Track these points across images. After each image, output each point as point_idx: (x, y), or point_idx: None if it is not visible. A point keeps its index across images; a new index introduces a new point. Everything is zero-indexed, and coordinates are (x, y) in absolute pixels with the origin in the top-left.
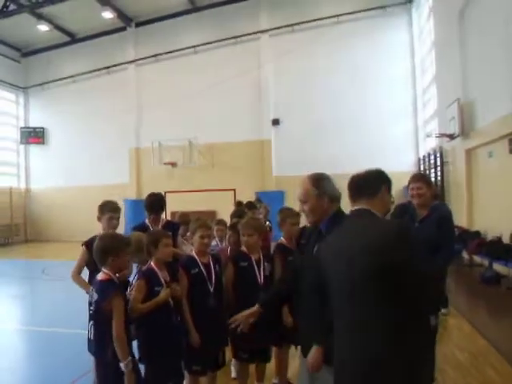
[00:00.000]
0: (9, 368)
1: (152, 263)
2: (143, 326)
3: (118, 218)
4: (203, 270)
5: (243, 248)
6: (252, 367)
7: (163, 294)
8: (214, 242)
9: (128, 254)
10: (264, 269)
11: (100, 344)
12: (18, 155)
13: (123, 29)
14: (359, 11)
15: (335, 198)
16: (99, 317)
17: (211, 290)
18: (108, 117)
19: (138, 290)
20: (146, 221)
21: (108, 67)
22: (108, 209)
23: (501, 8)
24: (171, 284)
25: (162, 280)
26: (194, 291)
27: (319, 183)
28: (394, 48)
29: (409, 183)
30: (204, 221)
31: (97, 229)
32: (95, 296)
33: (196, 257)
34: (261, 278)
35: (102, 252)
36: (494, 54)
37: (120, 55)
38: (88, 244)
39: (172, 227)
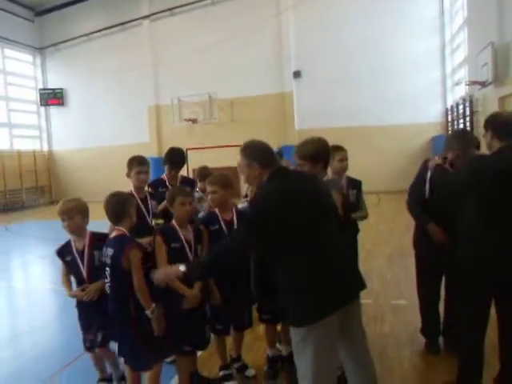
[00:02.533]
0: (42, 326)
1: (173, 221)
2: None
3: (147, 171)
4: (224, 226)
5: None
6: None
7: (191, 294)
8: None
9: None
10: None
11: (120, 301)
12: (39, 117)
13: None
14: None
15: (266, 163)
16: (116, 272)
17: None
18: (125, 75)
19: (158, 249)
20: (163, 176)
21: (122, 23)
22: (135, 163)
23: None
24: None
25: (182, 237)
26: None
27: (246, 152)
28: None
29: None
30: (211, 177)
31: (119, 187)
32: (110, 252)
33: (218, 212)
34: None
35: (120, 207)
36: None
37: (135, 10)
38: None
39: (188, 183)
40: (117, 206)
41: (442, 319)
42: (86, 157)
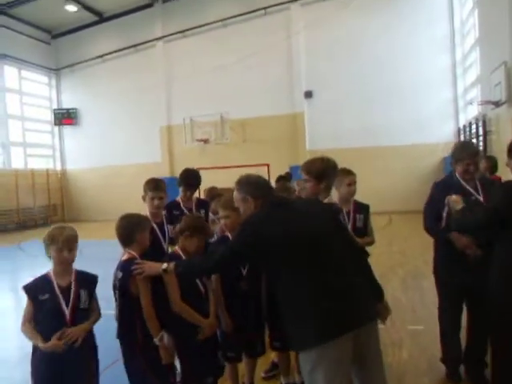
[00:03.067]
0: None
1: (178, 248)
2: (174, 319)
3: (162, 197)
4: None
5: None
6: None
7: (207, 323)
8: None
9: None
10: None
11: (127, 326)
12: (53, 137)
13: (150, 5)
14: None
15: (261, 197)
16: (125, 297)
17: (244, 272)
18: (138, 95)
19: (170, 277)
20: (178, 198)
21: (136, 45)
22: (150, 188)
23: None
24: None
25: None
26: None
27: (240, 187)
28: (432, 12)
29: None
30: (223, 200)
31: (131, 207)
32: (119, 274)
33: (230, 236)
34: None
35: (127, 232)
36: None
37: (148, 32)
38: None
39: (203, 205)
40: (126, 229)
41: (463, 346)
42: (99, 176)
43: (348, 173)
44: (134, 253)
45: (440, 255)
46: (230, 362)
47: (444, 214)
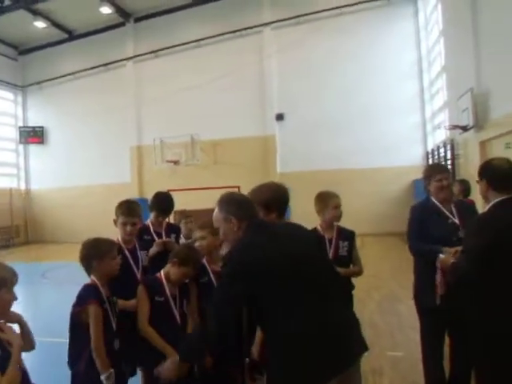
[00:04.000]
0: None
1: (162, 272)
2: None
3: (134, 224)
4: (213, 279)
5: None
6: None
7: (174, 359)
8: None
9: (114, 257)
10: None
11: (74, 354)
12: (18, 155)
13: (122, 24)
14: (363, 2)
15: (244, 217)
16: (74, 324)
17: None
18: (108, 115)
19: (140, 300)
20: (148, 222)
21: (107, 64)
22: (121, 212)
23: None
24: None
25: (168, 291)
26: (202, 303)
27: (222, 206)
28: (400, 39)
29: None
30: (201, 222)
31: (99, 228)
32: (74, 302)
33: (206, 263)
34: None
35: (85, 259)
36: (509, 39)
37: (119, 52)
38: None
39: (174, 231)
40: (84, 256)
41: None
42: (65, 196)
43: (333, 195)
44: (95, 280)
45: (421, 279)
46: None
47: (437, 283)
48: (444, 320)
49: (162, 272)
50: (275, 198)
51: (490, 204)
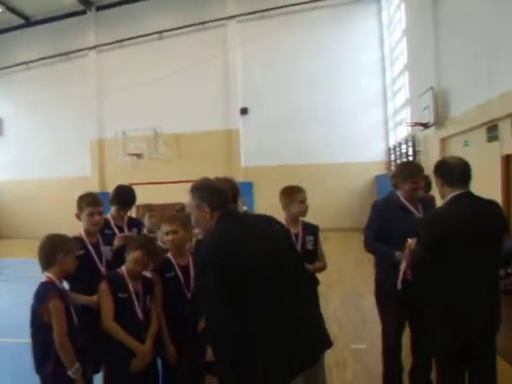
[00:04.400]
0: None
1: (123, 267)
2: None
3: (101, 212)
4: (179, 273)
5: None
6: None
7: (142, 349)
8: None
9: (76, 256)
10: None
11: (40, 357)
12: None
13: (83, 12)
14: None
15: (218, 205)
16: (37, 326)
17: (188, 295)
18: (68, 106)
19: (103, 299)
20: (109, 216)
21: (67, 53)
22: (87, 203)
23: None
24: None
25: (131, 288)
26: (168, 298)
27: (195, 192)
28: (363, 37)
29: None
30: (168, 215)
31: (58, 222)
32: (32, 303)
33: (171, 257)
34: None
35: (49, 252)
36: (470, 41)
37: (80, 41)
38: None
39: (136, 225)
40: (48, 249)
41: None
42: (21, 190)
43: (299, 190)
44: (52, 276)
45: (382, 274)
46: None
47: (400, 268)
48: (405, 311)
49: (124, 267)
50: (221, 194)
51: (446, 199)
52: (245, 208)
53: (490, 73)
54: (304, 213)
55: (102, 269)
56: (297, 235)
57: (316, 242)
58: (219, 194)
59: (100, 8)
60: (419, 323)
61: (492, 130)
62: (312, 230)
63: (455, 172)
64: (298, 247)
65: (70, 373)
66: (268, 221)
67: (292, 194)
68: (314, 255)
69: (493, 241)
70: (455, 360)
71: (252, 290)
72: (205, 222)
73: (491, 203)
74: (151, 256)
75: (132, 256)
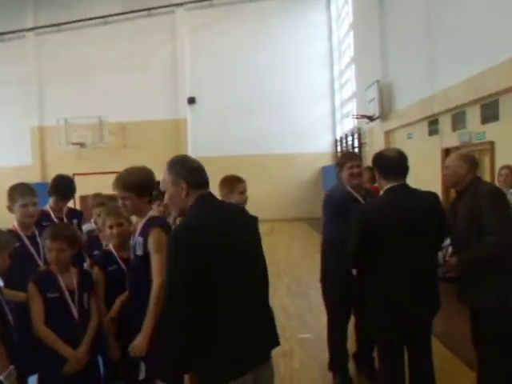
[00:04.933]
0: None
1: (51, 266)
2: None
3: (35, 203)
4: (123, 265)
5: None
6: None
7: (73, 354)
8: None
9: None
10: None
11: None
12: None
13: None
14: None
15: (195, 184)
16: None
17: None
18: (6, 90)
19: (31, 301)
20: (47, 208)
21: (3, 33)
22: (19, 194)
23: None
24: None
25: (63, 285)
26: (111, 293)
27: (172, 168)
28: (313, 29)
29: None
30: (112, 207)
31: None
32: None
33: (113, 250)
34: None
35: None
36: (413, 37)
37: (16, 21)
38: None
39: (76, 216)
40: None
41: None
42: None
43: (239, 180)
44: None
45: (330, 263)
46: None
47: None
48: (349, 299)
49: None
50: (147, 180)
51: (382, 191)
52: None
53: (432, 69)
54: (244, 203)
55: (41, 262)
56: None
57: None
58: (198, 173)
59: None
60: (363, 310)
61: (433, 124)
62: None
63: (390, 164)
64: None
65: (1, 377)
66: (241, 211)
67: (232, 184)
68: None
69: (427, 231)
70: (394, 345)
71: (221, 274)
72: (179, 199)
73: (427, 194)
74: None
75: (49, 246)
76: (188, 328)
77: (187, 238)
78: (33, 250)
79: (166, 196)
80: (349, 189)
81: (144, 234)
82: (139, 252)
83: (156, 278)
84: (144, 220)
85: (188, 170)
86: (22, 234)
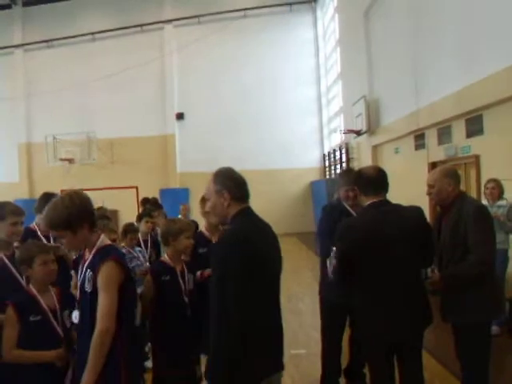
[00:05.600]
0: None
1: (30, 285)
2: None
3: (23, 222)
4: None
5: (165, 257)
6: None
7: (54, 354)
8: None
9: None
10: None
11: None
12: None
13: (8, 6)
14: (265, 6)
15: (238, 196)
16: None
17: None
18: None
19: (8, 323)
20: (33, 225)
21: None
22: (10, 211)
23: (405, 8)
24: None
25: (45, 307)
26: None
27: (218, 179)
28: (300, 45)
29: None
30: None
31: None
32: None
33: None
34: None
35: None
36: (399, 53)
37: (4, 37)
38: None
39: None
40: None
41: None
42: None
43: None
44: None
45: (321, 277)
46: None
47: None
48: (344, 313)
49: (31, 285)
50: (77, 212)
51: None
52: (189, 216)
53: (417, 84)
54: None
55: (24, 283)
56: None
57: None
58: (242, 187)
59: (27, 3)
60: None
61: (419, 139)
62: None
63: (369, 181)
64: None
65: None
66: (270, 227)
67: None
68: None
69: (410, 245)
70: (383, 360)
71: (257, 281)
72: (221, 208)
73: (411, 209)
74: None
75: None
76: (237, 329)
77: (237, 245)
78: (14, 271)
79: (208, 204)
80: (345, 204)
81: (94, 267)
82: (88, 288)
83: (100, 323)
84: (93, 251)
85: (232, 183)
86: (1, 254)
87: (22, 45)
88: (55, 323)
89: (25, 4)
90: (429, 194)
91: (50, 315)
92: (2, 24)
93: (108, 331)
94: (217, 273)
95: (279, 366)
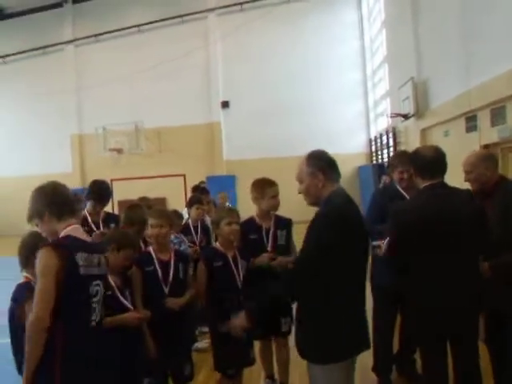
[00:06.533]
0: None
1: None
2: None
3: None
4: (158, 268)
5: (216, 244)
6: None
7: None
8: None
9: None
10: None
11: (21, 358)
12: None
13: (59, 5)
14: None
15: (331, 178)
16: (14, 326)
17: (166, 290)
18: (47, 101)
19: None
20: (85, 212)
21: (44, 47)
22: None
23: None
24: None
25: (113, 282)
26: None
27: (311, 161)
28: (344, 29)
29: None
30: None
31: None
32: (10, 304)
33: (152, 252)
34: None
35: (27, 250)
36: (448, 32)
37: (56, 34)
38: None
39: (113, 220)
40: (27, 247)
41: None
42: (3, 187)
43: (271, 184)
44: (30, 276)
45: (376, 260)
46: None
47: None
48: (396, 299)
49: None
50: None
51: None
52: (227, 204)
53: (468, 64)
54: (275, 208)
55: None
56: (268, 230)
57: (289, 236)
58: (334, 168)
59: (77, 1)
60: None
61: (471, 120)
62: (284, 223)
63: (426, 163)
64: (270, 242)
65: None
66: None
67: (263, 189)
68: (286, 250)
69: (466, 230)
70: (437, 347)
71: (346, 258)
72: (316, 189)
73: (465, 193)
74: (137, 249)
75: (122, 254)
76: (294, 289)
77: (336, 219)
78: None
79: (301, 187)
80: (397, 187)
81: None
82: None
83: (33, 309)
84: None
85: (326, 164)
86: None
87: (72, 41)
88: (121, 297)
89: (74, 1)
90: (467, 180)
91: (117, 292)
92: (54, 22)
93: (39, 320)
94: (313, 242)
95: (368, 344)
